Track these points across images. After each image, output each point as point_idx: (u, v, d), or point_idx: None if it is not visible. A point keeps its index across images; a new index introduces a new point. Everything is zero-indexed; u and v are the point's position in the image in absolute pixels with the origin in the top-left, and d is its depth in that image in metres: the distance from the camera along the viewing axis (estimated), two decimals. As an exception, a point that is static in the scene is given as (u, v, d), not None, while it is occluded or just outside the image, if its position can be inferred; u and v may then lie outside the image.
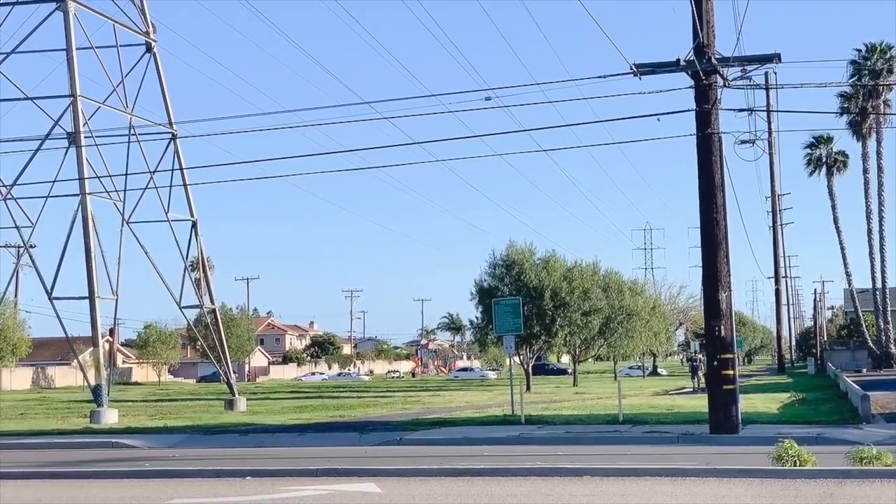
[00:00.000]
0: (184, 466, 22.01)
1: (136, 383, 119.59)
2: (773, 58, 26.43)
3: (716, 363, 26.53)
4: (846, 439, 24.25)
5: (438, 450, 25.48)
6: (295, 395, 67.70)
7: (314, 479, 19.21)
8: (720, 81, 26.59)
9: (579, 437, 27.32)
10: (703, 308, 28.03)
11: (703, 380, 48.13)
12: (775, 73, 27.98)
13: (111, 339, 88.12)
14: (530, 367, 71.04)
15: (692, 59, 26.10)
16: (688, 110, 26.75)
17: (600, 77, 27.15)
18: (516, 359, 61.60)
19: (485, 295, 63.74)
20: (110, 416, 41.69)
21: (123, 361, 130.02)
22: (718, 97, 26.56)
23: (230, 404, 50.71)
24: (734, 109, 29.06)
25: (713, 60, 26.19)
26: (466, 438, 27.96)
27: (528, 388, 62.70)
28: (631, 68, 26.50)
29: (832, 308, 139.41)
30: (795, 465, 18.00)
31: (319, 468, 20.12)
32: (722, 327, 26.43)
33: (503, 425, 31.52)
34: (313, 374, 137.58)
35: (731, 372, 26.45)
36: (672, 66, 26.44)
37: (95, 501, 17.71)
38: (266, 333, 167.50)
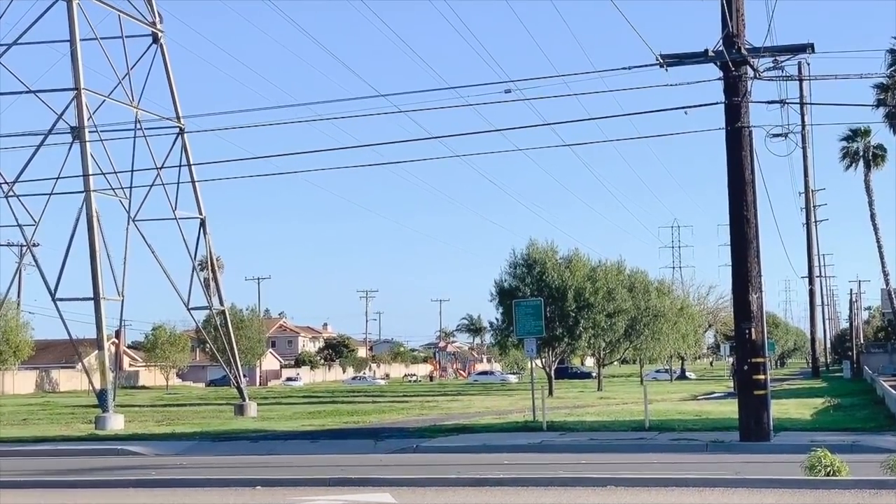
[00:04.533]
0: (191, 475, 21.61)
1: (144, 387, 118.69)
2: (805, 48, 25.59)
3: (746, 367, 25.81)
4: (882, 447, 23.58)
5: (456, 458, 24.82)
6: (308, 400, 66.89)
7: (327, 489, 18.77)
8: (750, 73, 25.69)
9: (603, 444, 26.71)
10: (732, 309, 27.11)
11: None
12: (808, 64, 26.90)
13: (117, 342, 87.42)
14: (553, 371, 69.76)
15: (721, 49, 25.29)
16: (717, 103, 25.95)
17: (625, 68, 26.25)
18: (538, 362, 60.46)
19: (505, 296, 62.55)
20: (116, 422, 40.89)
21: (130, 364, 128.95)
22: (749, 89, 25.72)
23: (240, 409, 49.83)
24: (765, 102, 28.13)
25: (743, 51, 25.32)
26: (486, 446, 27.28)
27: (551, 392, 61.77)
28: (657, 59, 25.67)
29: (869, 309, 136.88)
30: (828, 475, 17.51)
31: (332, 477, 19.75)
32: (752, 330, 25.62)
33: (524, 432, 30.79)
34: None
35: (762, 376, 25.72)
36: (700, 57, 25.66)
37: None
38: (278, 335, 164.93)
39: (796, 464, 18.45)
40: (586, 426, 32.05)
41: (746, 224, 25.75)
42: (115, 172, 45.53)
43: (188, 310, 52.17)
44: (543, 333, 35.37)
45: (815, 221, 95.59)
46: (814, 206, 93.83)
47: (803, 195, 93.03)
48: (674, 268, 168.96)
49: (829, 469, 17.47)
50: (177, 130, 50.04)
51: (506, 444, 27.25)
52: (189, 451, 28.84)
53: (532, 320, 33.79)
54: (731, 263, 26.48)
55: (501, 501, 16.73)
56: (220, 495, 18.58)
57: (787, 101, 29.93)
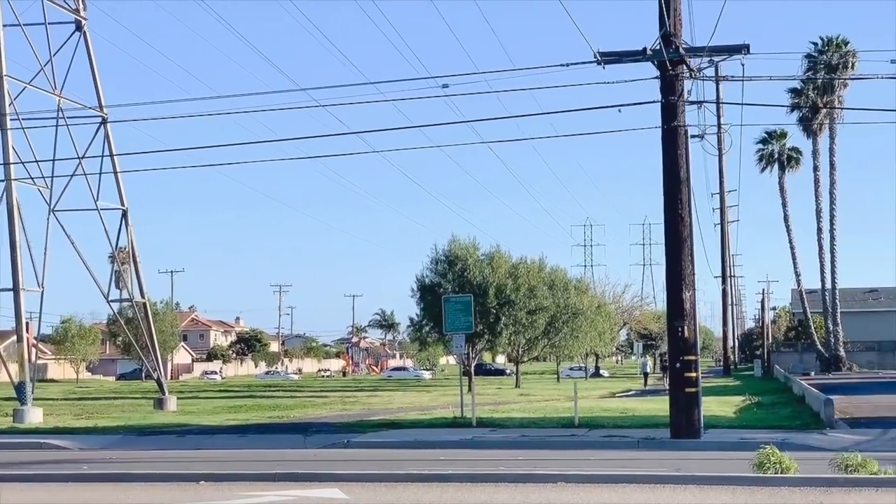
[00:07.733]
0: (130, 469, 21.20)
1: (53, 380, 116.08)
2: (741, 48, 25.70)
3: (678, 365, 26.02)
4: (811, 445, 24.05)
5: (390, 453, 24.68)
6: (226, 395, 66.29)
7: (274, 485, 18.47)
8: (687, 72, 25.80)
9: (536, 441, 26.69)
10: (665, 308, 27.32)
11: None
12: (743, 65, 27.04)
13: (28, 335, 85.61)
14: (472, 368, 69.48)
15: (659, 48, 25.33)
16: (653, 101, 26.06)
17: (563, 65, 26.27)
18: (451, 358, 60.23)
19: (426, 291, 62.14)
20: (35, 415, 40.13)
21: (38, 357, 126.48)
22: (685, 88, 25.87)
23: (160, 403, 49.04)
24: (688, 102, 28.15)
25: (681, 50, 25.48)
26: (418, 441, 27.23)
27: (470, 388, 61.47)
28: (595, 57, 25.67)
29: (774, 309, 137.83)
30: (778, 473, 17.65)
31: (278, 472, 19.44)
32: (685, 328, 25.84)
33: (454, 428, 30.75)
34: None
35: (693, 374, 26.00)
36: (639, 55, 25.76)
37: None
38: (189, 329, 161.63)
39: (733, 460, 18.80)
40: (516, 423, 32.09)
41: (681, 222, 25.85)
42: (37, 161, 44.48)
43: (108, 301, 51.34)
44: (472, 329, 35.31)
45: (728, 222, 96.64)
46: (727, 208, 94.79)
47: (716, 195, 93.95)
48: (585, 266, 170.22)
49: (778, 466, 17.66)
50: (99, 120, 48.88)
51: (438, 440, 27.22)
52: (115, 445, 28.35)
53: (462, 316, 33.62)
54: (663, 263, 26.63)
55: (454, 497, 16.64)
56: (164, 490, 18.25)
57: (705, 101, 30.24)
